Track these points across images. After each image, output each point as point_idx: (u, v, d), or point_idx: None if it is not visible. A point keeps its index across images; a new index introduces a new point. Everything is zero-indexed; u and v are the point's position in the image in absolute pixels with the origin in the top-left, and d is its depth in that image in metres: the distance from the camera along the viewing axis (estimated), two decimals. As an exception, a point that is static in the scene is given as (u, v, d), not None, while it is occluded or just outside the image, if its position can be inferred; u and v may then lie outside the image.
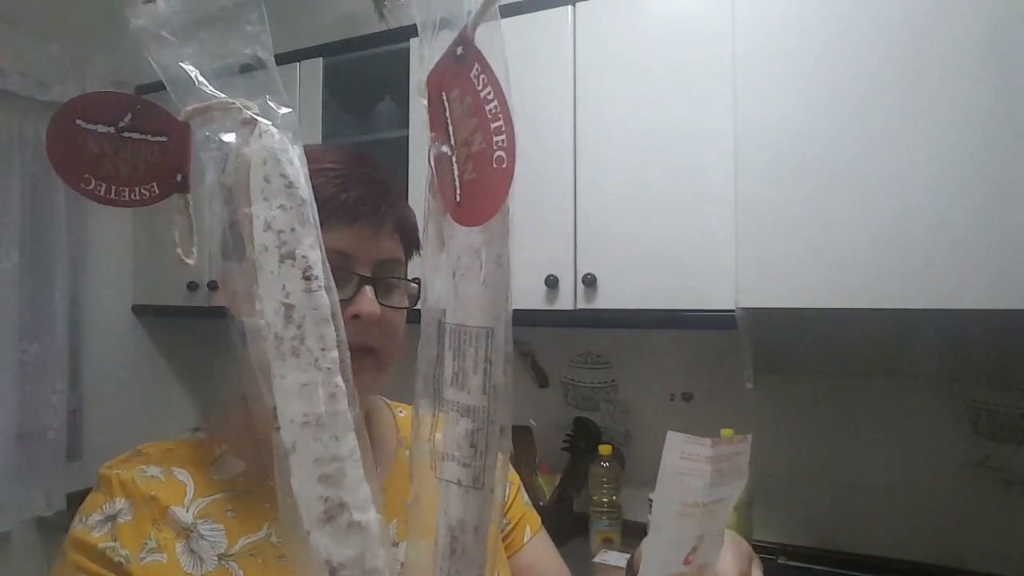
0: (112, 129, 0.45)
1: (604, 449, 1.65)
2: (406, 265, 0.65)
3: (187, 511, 0.58)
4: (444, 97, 0.37)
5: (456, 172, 0.36)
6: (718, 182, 1.36)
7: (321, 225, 0.46)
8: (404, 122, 1.77)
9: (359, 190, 0.59)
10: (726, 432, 1.49)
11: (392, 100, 1.92)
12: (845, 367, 1.59)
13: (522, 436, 1.76)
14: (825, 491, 1.61)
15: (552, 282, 1.53)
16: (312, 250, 0.43)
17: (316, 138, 1.87)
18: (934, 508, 1.51)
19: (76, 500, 2.01)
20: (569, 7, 1.55)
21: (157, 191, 0.47)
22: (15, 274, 1.89)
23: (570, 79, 1.54)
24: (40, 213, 1.97)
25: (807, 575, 1.53)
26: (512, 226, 0.38)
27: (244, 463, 0.62)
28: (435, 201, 0.40)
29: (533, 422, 1.76)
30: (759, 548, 1.57)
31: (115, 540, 0.55)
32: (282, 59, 1.97)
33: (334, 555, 0.40)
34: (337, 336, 0.42)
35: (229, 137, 0.44)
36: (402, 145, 1.75)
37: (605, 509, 1.64)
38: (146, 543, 0.55)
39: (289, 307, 0.42)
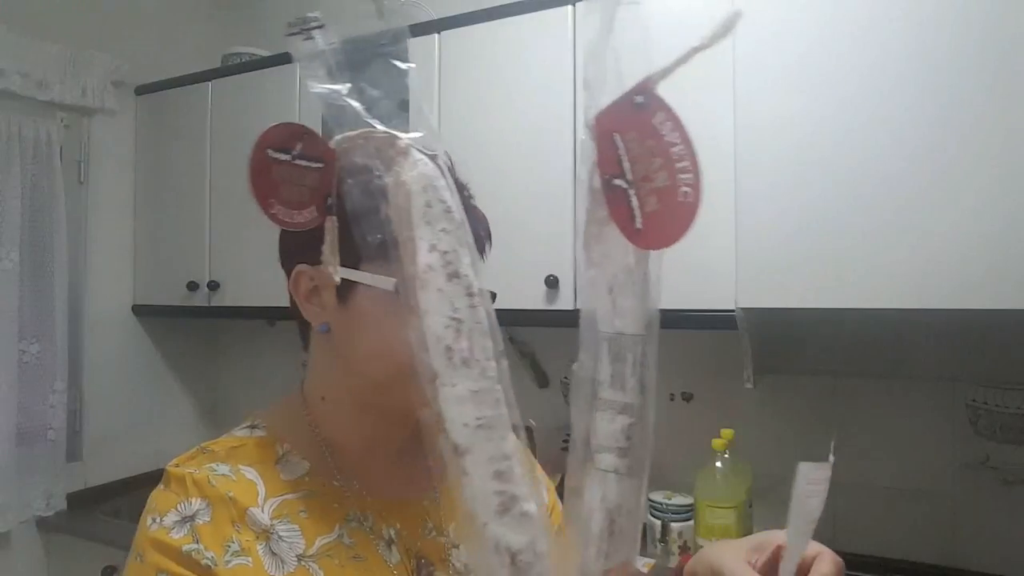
0: (289, 157, 0.50)
1: (604, 449, 1.65)
2: None
3: (263, 511, 0.57)
4: (618, 137, 0.42)
5: (635, 203, 0.42)
6: (718, 182, 1.36)
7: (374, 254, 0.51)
8: (404, 123, 1.77)
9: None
10: (726, 432, 1.49)
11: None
12: (845, 367, 1.59)
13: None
14: (825, 491, 1.61)
15: (552, 282, 1.53)
16: (471, 268, 0.47)
17: (316, 138, 1.87)
18: (934, 508, 1.51)
19: (76, 500, 2.02)
20: (569, 7, 1.55)
21: (315, 213, 0.52)
22: (15, 274, 1.89)
23: (570, 79, 1.54)
24: (40, 213, 1.97)
25: (807, 575, 1.53)
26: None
27: (309, 463, 0.62)
28: (594, 225, 0.44)
29: (533, 422, 1.76)
30: (759, 548, 1.58)
31: (197, 542, 0.54)
32: (282, 59, 1.97)
33: (512, 543, 0.44)
34: (496, 347, 0.47)
35: (385, 165, 0.48)
36: (402, 145, 1.75)
37: (605, 509, 1.64)
38: (229, 545, 0.54)
39: (458, 322, 0.46)
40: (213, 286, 2.04)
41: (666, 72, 0.42)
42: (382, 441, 0.67)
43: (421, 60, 1.73)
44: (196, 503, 0.55)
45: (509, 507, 0.45)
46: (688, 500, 1.55)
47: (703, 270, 1.38)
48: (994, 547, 1.45)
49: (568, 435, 1.63)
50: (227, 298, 2.03)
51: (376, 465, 0.66)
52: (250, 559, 0.54)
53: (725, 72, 1.36)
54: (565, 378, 1.90)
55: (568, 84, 1.54)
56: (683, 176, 0.40)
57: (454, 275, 0.46)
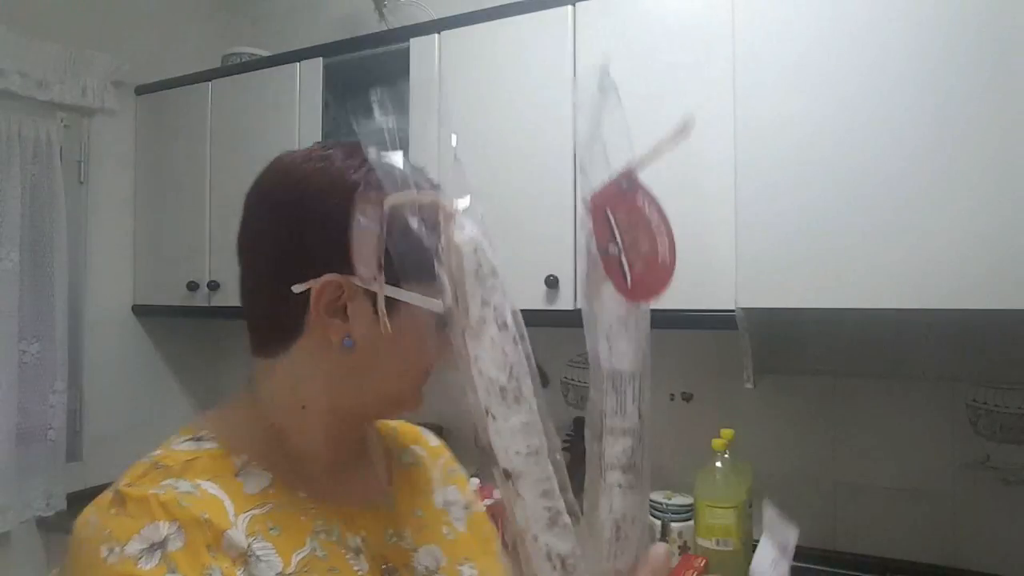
0: (366, 220, 0.56)
1: (604, 449, 1.65)
2: None
3: (238, 530, 0.53)
4: (610, 213, 0.52)
5: (626, 265, 0.52)
6: (718, 181, 1.36)
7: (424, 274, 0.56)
8: (404, 122, 1.77)
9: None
10: (726, 432, 1.49)
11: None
12: (845, 367, 1.59)
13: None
14: (825, 491, 1.61)
15: (552, 282, 1.53)
16: (512, 317, 0.55)
17: (316, 138, 1.87)
18: (934, 508, 1.51)
19: (76, 500, 2.02)
20: (569, 7, 1.55)
21: (377, 272, 0.57)
22: (15, 274, 1.89)
23: (570, 79, 1.54)
24: (40, 213, 1.97)
25: (807, 575, 1.53)
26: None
27: (271, 474, 0.59)
28: (593, 284, 0.55)
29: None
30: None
31: (175, 571, 0.48)
32: (282, 59, 1.97)
33: (561, 550, 0.51)
34: (536, 384, 0.55)
35: (431, 226, 0.54)
36: (402, 145, 1.74)
37: (605, 509, 1.64)
38: (209, 574, 0.49)
39: (509, 365, 0.53)
40: (213, 286, 2.04)
41: (644, 162, 0.52)
42: (344, 449, 0.67)
43: (421, 60, 1.74)
44: (165, 527, 0.50)
45: (556, 520, 0.52)
46: (688, 500, 1.55)
47: (703, 270, 1.38)
48: (994, 547, 1.45)
49: (569, 434, 1.63)
50: (227, 298, 2.03)
51: (337, 473, 0.65)
52: None
53: (725, 72, 1.36)
54: (565, 378, 1.90)
55: (568, 84, 1.54)
56: (661, 246, 0.51)
57: (503, 325, 0.54)
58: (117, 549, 0.48)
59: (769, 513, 0.49)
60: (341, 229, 0.56)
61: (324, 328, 0.59)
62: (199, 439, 0.59)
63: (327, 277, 0.57)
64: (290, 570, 0.55)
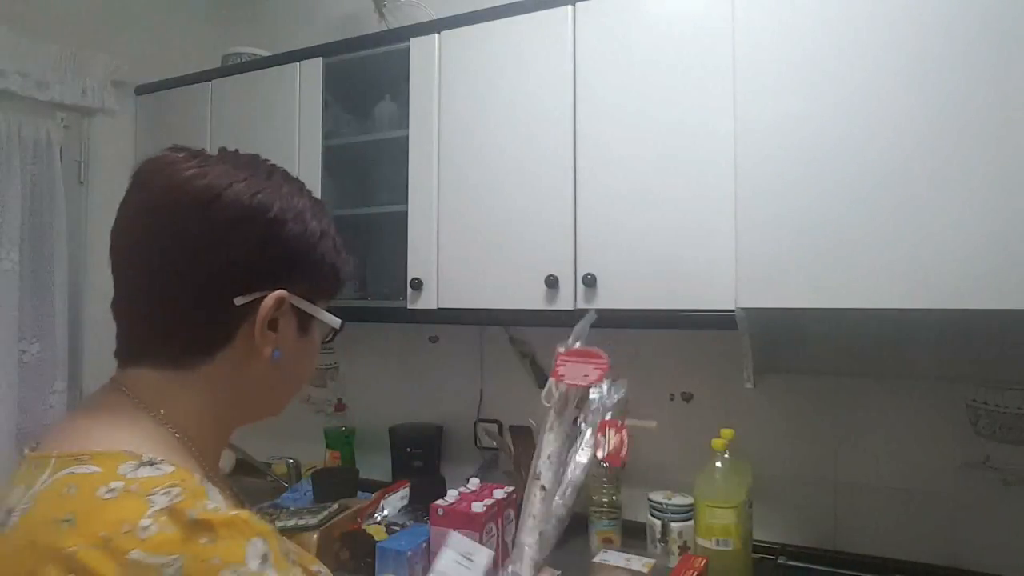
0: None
1: (604, 449, 1.65)
2: None
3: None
4: (606, 427, 1.19)
5: (607, 447, 1.18)
6: (718, 182, 1.36)
7: (332, 294, 0.67)
8: (404, 122, 1.77)
9: (350, 260, 0.69)
10: (726, 432, 1.49)
11: (392, 100, 1.92)
12: (845, 367, 1.59)
13: (522, 436, 1.76)
14: (825, 491, 1.61)
15: (552, 282, 1.53)
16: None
17: (316, 138, 1.87)
18: (934, 508, 1.51)
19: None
20: (569, 7, 1.55)
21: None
22: (15, 274, 1.88)
23: (570, 79, 1.54)
24: (40, 213, 1.97)
25: (807, 575, 1.53)
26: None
27: (218, 488, 0.57)
28: (571, 451, 1.18)
29: (533, 422, 1.76)
30: (759, 548, 1.57)
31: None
32: (282, 59, 1.97)
33: (550, 523, 1.10)
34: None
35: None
36: (402, 145, 1.75)
37: (605, 509, 1.64)
38: None
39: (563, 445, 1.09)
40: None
41: (634, 425, 1.20)
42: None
43: (421, 60, 1.74)
44: (259, 543, 0.51)
45: (556, 511, 1.05)
46: (688, 500, 1.55)
47: (703, 270, 1.38)
48: (994, 547, 1.45)
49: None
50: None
51: (220, 484, 0.65)
52: None
53: (725, 73, 1.36)
54: (565, 378, 1.90)
55: (568, 84, 1.54)
56: (624, 447, 1.15)
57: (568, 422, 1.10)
58: (243, 570, 0.49)
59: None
60: (292, 249, 0.61)
61: (261, 340, 0.61)
62: (151, 463, 0.54)
63: (279, 292, 0.61)
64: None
